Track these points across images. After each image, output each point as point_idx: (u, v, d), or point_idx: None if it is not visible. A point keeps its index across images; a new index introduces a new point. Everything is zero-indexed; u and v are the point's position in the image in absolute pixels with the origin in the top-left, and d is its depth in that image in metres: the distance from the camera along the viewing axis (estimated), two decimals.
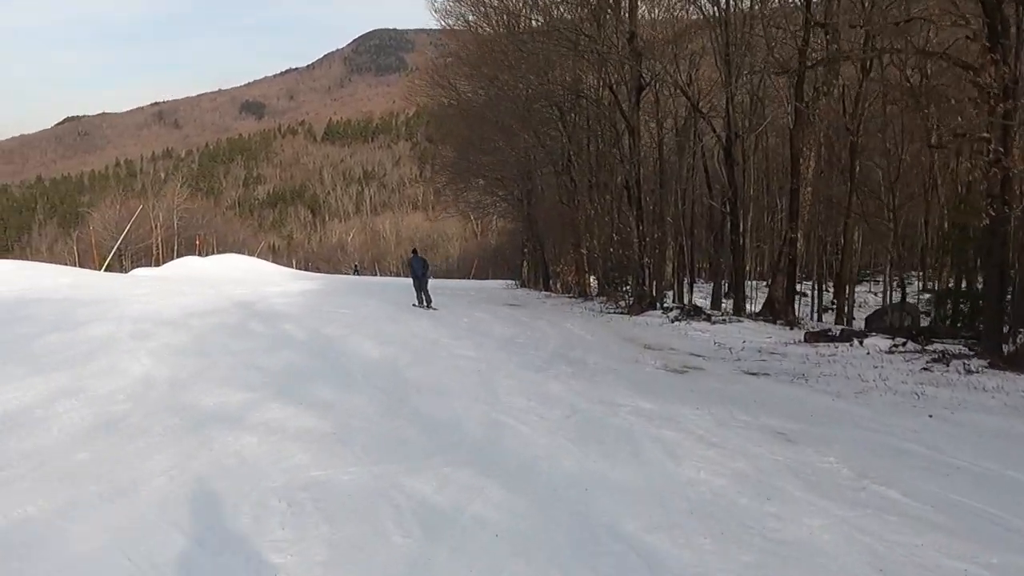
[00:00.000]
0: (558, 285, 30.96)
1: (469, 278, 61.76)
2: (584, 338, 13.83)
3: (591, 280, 27.64)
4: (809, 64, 15.81)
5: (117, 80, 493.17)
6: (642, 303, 19.84)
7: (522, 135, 25.40)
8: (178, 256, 45.66)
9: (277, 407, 7.18)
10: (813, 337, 13.63)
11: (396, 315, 16.15)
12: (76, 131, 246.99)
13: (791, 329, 15.87)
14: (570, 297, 25.99)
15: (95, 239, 45.25)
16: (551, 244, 30.64)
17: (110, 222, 48.58)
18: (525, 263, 32.61)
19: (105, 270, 38.76)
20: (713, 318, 17.52)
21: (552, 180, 28.92)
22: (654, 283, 21.21)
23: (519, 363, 10.42)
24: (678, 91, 21.48)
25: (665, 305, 20.97)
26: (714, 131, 20.67)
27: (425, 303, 17.47)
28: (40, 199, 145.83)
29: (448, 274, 77.17)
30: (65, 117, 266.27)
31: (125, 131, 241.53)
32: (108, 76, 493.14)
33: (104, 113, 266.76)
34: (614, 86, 19.75)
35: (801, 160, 17.08)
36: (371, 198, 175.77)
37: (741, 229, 19.84)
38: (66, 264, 50.82)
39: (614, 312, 19.92)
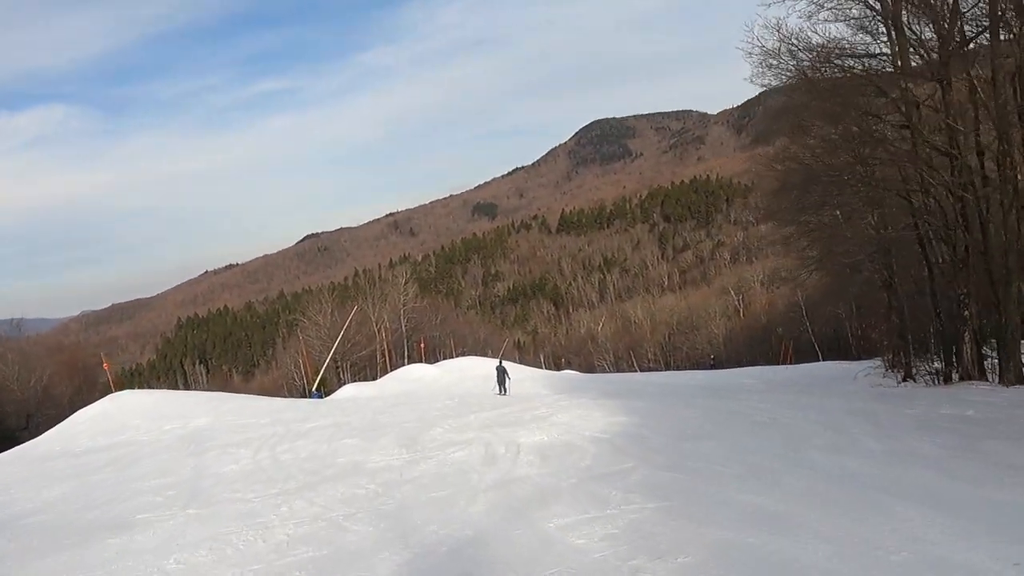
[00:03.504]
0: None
1: (781, 363, 47.26)
2: None
3: None
4: None
5: (353, 197, 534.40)
6: None
7: None
8: (407, 363, 39.22)
9: None
10: None
11: None
12: (316, 247, 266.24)
13: None
14: None
15: (306, 350, 40.81)
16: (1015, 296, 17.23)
17: (323, 330, 43.75)
18: (931, 337, 19.42)
19: (318, 387, 32.85)
20: None
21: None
22: None
23: None
24: None
25: None
26: None
27: (504, 391, 23.39)
28: (282, 313, 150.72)
29: (716, 361, 62.79)
30: (305, 235, 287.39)
31: (363, 243, 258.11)
32: (345, 194, 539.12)
33: (342, 228, 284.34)
34: None
35: None
36: (614, 284, 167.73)
37: None
38: (296, 380, 46.57)
39: None
